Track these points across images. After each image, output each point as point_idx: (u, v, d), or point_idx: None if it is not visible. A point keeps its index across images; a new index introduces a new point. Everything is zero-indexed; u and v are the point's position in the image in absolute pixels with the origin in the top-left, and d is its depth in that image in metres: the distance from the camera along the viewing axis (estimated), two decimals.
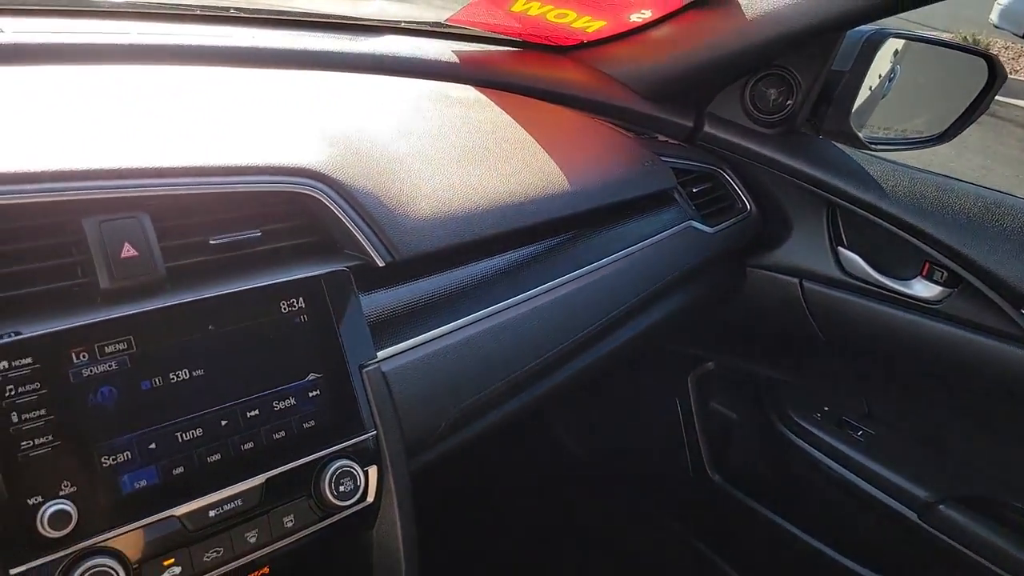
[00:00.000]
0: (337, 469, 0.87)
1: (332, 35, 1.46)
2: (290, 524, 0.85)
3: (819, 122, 1.52)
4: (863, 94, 1.53)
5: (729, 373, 1.84)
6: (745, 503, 1.80)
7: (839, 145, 1.52)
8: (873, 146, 1.55)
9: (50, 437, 0.71)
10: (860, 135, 1.53)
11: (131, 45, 1.15)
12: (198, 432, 0.79)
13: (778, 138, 1.53)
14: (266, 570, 0.86)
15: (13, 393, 0.70)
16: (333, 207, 0.96)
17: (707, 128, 1.58)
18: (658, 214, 1.42)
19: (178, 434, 0.78)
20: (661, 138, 1.60)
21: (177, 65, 1.16)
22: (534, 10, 1.54)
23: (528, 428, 1.97)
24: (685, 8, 1.48)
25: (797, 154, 1.50)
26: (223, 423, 0.81)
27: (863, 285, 1.47)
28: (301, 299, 0.89)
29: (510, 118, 1.37)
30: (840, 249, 1.49)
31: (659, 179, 1.42)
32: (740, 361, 1.79)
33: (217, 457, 0.80)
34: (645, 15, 1.52)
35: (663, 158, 1.48)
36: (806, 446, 1.62)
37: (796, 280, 1.55)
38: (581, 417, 2.07)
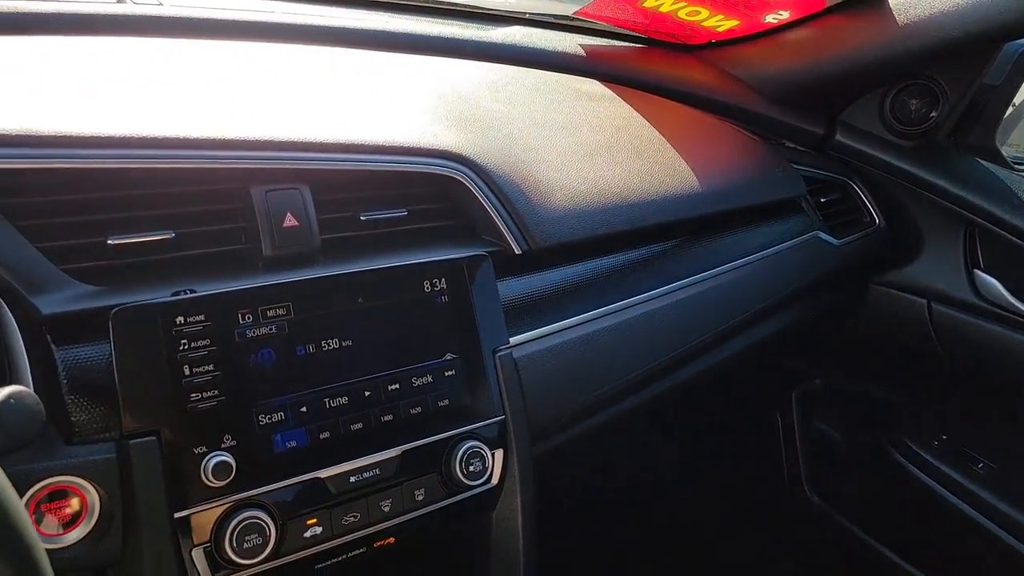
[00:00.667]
0: (468, 449, 0.88)
1: (461, 23, 1.49)
2: (420, 497, 0.87)
3: (962, 137, 1.45)
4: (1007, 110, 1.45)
5: (837, 391, 1.78)
6: (843, 525, 1.74)
7: (983, 162, 1.45)
8: (1017, 165, 1.47)
9: (216, 392, 0.75)
10: (1003, 152, 1.45)
11: (270, 23, 1.19)
12: (344, 400, 0.82)
13: (917, 151, 1.47)
14: (392, 540, 0.88)
15: (186, 347, 0.74)
16: (476, 192, 0.97)
17: (839, 137, 1.53)
18: (784, 222, 1.38)
19: (326, 400, 0.81)
20: (789, 144, 1.55)
21: (315, 45, 1.20)
22: (666, 6, 1.52)
23: (620, 429, 1.96)
24: (827, 11, 1.43)
25: (937, 169, 1.43)
26: (366, 394, 0.84)
27: (999, 311, 1.39)
28: (443, 280, 0.91)
29: (638, 114, 1.36)
30: (976, 272, 1.42)
31: (789, 186, 1.38)
32: (853, 380, 1.73)
33: (359, 426, 0.83)
34: (782, 16, 1.48)
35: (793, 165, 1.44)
36: (920, 474, 1.55)
37: (924, 301, 1.48)
38: (672, 424, 2.04)
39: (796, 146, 1.55)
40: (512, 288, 1.01)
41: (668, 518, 1.88)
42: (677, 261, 1.22)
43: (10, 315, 0.72)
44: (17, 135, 0.71)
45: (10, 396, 0.53)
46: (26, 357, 0.72)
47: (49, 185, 0.75)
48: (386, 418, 0.84)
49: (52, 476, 0.69)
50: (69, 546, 0.70)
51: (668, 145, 1.29)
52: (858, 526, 1.71)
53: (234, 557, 0.73)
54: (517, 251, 0.99)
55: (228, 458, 0.73)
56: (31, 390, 0.55)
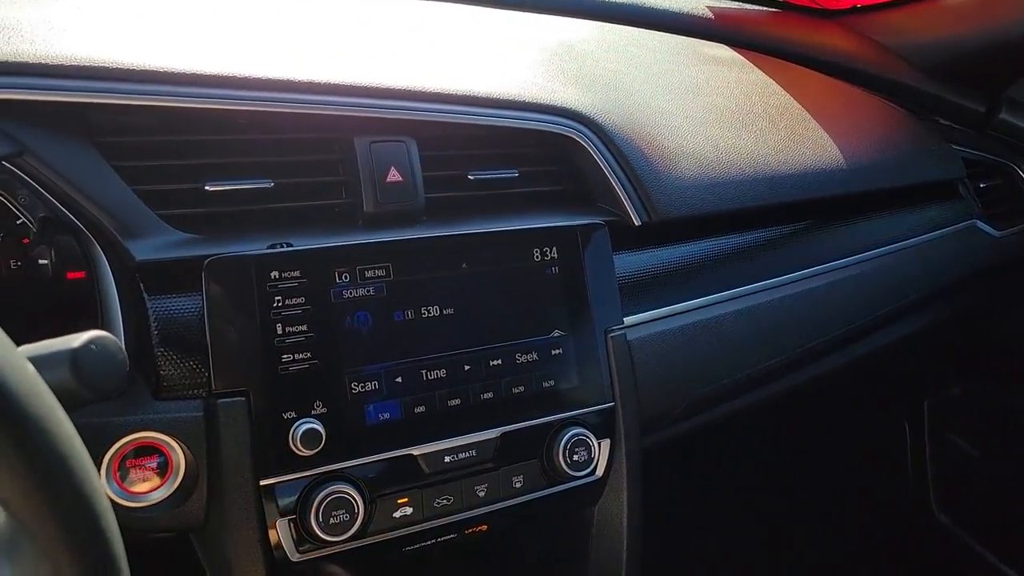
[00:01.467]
0: (572, 437, 0.80)
1: None
2: (518, 485, 0.79)
3: None
4: None
5: (977, 401, 1.58)
6: (976, 552, 1.56)
7: None
8: None
9: (308, 355, 0.69)
10: None
11: None
12: (442, 373, 0.75)
13: None
14: (484, 528, 0.82)
15: (280, 304, 0.69)
16: (595, 155, 0.88)
17: (1003, 115, 1.34)
18: (937, 208, 1.22)
19: (423, 372, 0.75)
20: (943, 122, 1.38)
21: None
22: None
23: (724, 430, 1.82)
24: None
25: None
26: (466, 368, 0.77)
27: None
28: (555, 249, 0.82)
29: (772, 81, 1.23)
30: None
31: (947, 167, 1.22)
32: (996, 390, 1.54)
33: (457, 402, 0.76)
34: None
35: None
36: None
37: None
38: (784, 426, 1.89)
39: (952, 124, 1.38)
40: (628, 263, 0.92)
41: (770, 532, 1.74)
42: (811, 245, 1.09)
43: (104, 260, 0.69)
44: (119, 68, 0.67)
45: (91, 341, 0.48)
46: (119, 305, 0.68)
47: (148, 125, 0.72)
48: (486, 396, 0.77)
49: (138, 431, 0.65)
50: (152, 505, 0.66)
51: (807, 115, 1.16)
52: (994, 554, 1.52)
53: (319, 532, 0.68)
54: (636, 222, 0.89)
55: (318, 426, 0.68)
56: (115, 337, 0.50)
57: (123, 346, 0.67)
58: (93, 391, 0.48)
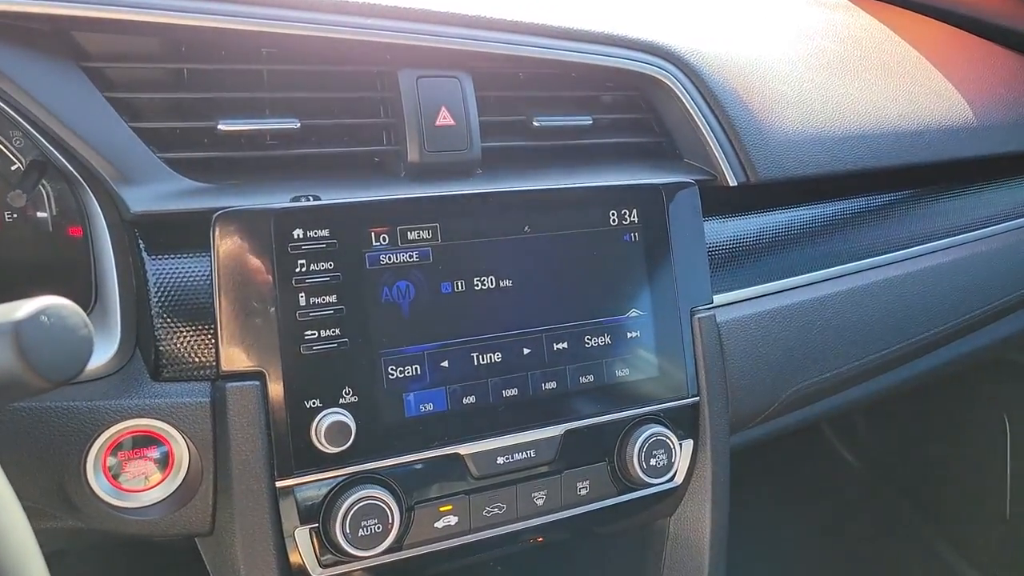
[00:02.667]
0: (649, 437, 0.67)
1: None
2: (583, 492, 0.67)
3: None
4: None
5: None
6: None
7: None
8: None
9: (336, 332, 0.57)
10: None
11: None
12: (496, 357, 0.63)
13: None
14: (539, 540, 0.69)
15: (304, 270, 0.56)
16: (685, 100, 0.73)
17: None
18: None
19: (474, 355, 0.62)
20: None
21: None
22: None
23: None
24: None
25: None
26: (525, 351, 0.64)
27: None
28: (635, 211, 0.68)
29: (886, 27, 1.05)
30: None
31: None
32: None
33: (513, 392, 0.63)
34: None
35: None
36: None
37: None
38: (862, 420, 1.71)
39: None
40: (718, 232, 0.78)
41: (855, 543, 1.58)
42: (932, 215, 0.93)
43: (100, 213, 0.58)
44: None
45: (42, 311, 0.37)
46: (115, 267, 0.57)
47: (149, 50, 0.60)
48: (548, 386, 0.64)
49: (134, 418, 0.54)
50: (149, 506, 0.56)
51: (929, 66, 0.99)
52: None
53: (346, 545, 0.56)
54: (732, 183, 0.75)
55: (346, 418, 0.56)
56: (77, 306, 0.38)
57: (117, 316, 0.57)
58: (45, 376, 0.37)
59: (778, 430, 0.92)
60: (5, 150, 0.63)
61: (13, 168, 0.64)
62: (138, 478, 0.55)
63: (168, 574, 0.95)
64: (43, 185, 0.63)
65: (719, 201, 0.77)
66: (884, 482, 1.61)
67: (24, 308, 0.36)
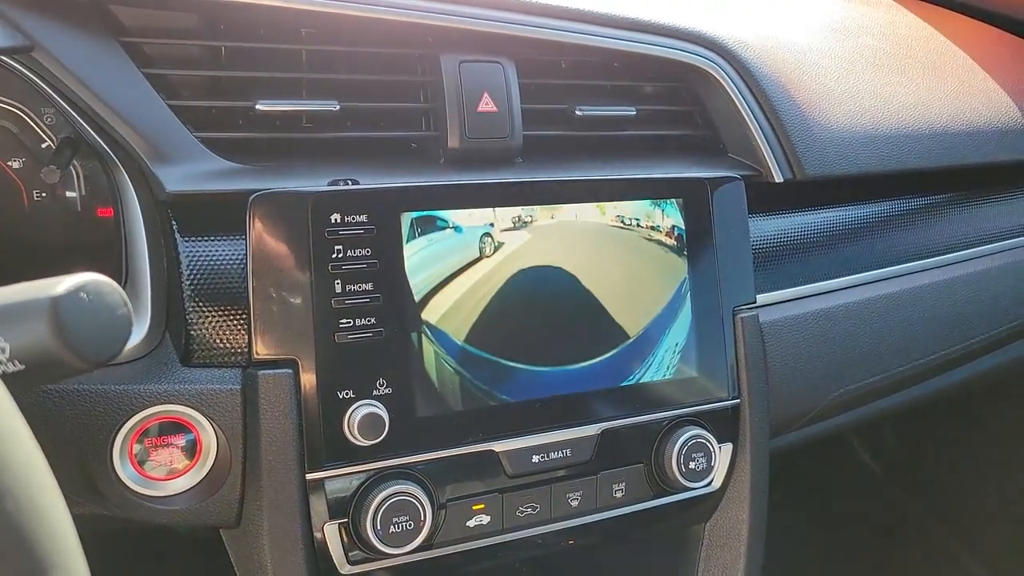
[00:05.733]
0: (689, 439, 0.65)
1: None
2: (619, 494, 0.64)
3: None
4: None
5: None
6: None
7: None
8: None
9: (372, 320, 0.55)
10: None
11: None
12: None
13: None
14: (571, 542, 0.67)
15: (341, 256, 0.55)
16: (733, 94, 0.71)
17: None
18: None
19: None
20: None
21: None
22: None
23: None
24: None
25: None
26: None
27: None
28: (679, 205, 0.66)
29: (930, 27, 1.02)
30: None
31: None
32: None
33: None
34: None
35: None
36: None
37: None
38: (890, 428, 1.67)
39: None
40: (762, 229, 0.75)
41: (879, 551, 1.54)
42: (981, 218, 0.90)
43: (133, 192, 0.56)
44: None
45: (81, 287, 0.35)
46: (147, 249, 0.56)
47: (189, 27, 0.58)
48: (584, 382, 0.62)
49: (162, 404, 0.53)
50: (176, 495, 0.54)
51: (974, 65, 0.96)
52: None
53: (375, 541, 0.54)
54: (778, 179, 0.72)
55: (380, 410, 0.54)
56: (116, 283, 0.37)
57: (148, 298, 0.55)
58: (82, 357, 0.35)
59: (815, 434, 0.89)
60: (36, 127, 0.62)
61: (43, 146, 0.63)
62: (165, 466, 0.53)
63: (191, 565, 0.94)
64: (74, 165, 0.62)
65: (763, 198, 0.74)
66: (907, 491, 1.57)
67: (63, 284, 0.34)
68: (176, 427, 0.53)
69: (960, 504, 1.49)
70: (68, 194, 0.64)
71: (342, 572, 0.56)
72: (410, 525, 0.55)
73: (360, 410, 0.54)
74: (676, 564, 0.74)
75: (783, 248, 0.77)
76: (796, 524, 1.45)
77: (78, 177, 0.64)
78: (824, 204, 0.80)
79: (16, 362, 0.34)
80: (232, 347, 0.55)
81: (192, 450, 0.54)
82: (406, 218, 0.56)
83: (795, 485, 1.47)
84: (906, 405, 0.99)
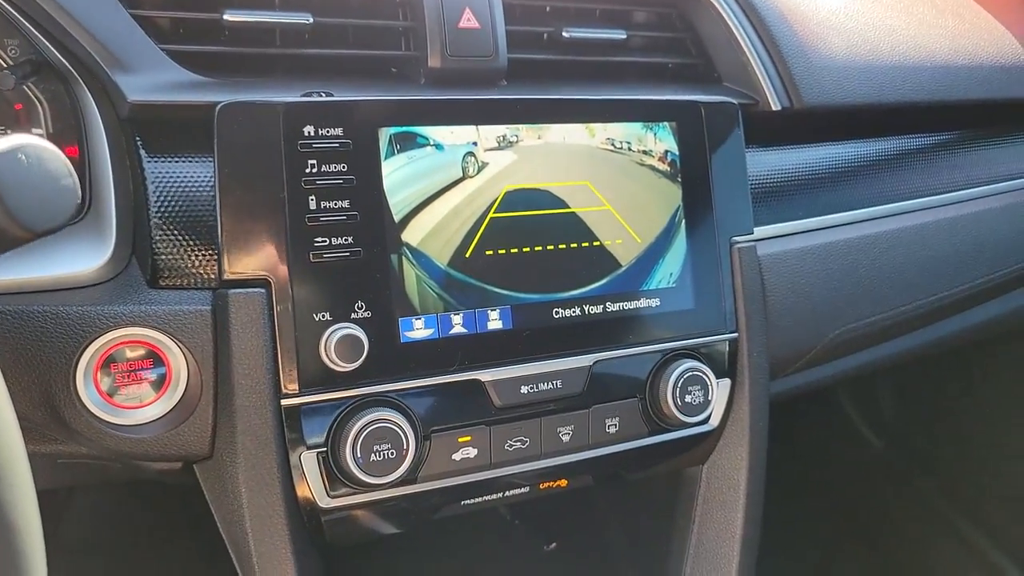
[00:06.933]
0: (684, 372, 0.62)
1: None
2: (612, 430, 0.62)
3: None
4: None
5: None
6: None
7: None
8: None
9: (349, 240, 0.52)
10: None
11: None
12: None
13: None
14: (563, 483, 0.64)
15: (315, 171, 0.52)
16: (728, 18, 0.68)
17: None
18: None
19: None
20: None
21: None
22: None
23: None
24: None
25: None
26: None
27: None
28: (672, 129, 0.63)
29: None
30: None
31: None
32: None
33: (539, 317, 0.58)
34: None
35: None
36: None
37: None
38: (880, 396, 1.64)
39: None
40: (761, 162, 0.72)
41: (879, 525, 1.51)
42: (990, 157, 0.87)
43: (95, 110, 0.53)
44: None
45: (19, 149, 0.32)
46: (111, 168, 0.53)
47: None
48: (574, 311, 0.59)
49: (128, 326, 0.50)
50: (144, 424, 0.51)
51: (976, 5, 0.93)
52: None
53: (356, 471, 0.51)
54: (775, 107, 0.70)
55: (359, 333, 0.51)
56: (57, 149, 0.34)
57: (112, 220, 0.52)
58: (20, 223, 0.33)
59: (815, 381, 0.87)
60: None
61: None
62: (133, 394, 0.51)
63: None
64: (39, 100, 0.59)
65: (761, 129, 0.72)
66: (907, 462, 1.55)
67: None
68: (144, 352, 0.51)
69: (957, 471, 1.46)
70: (34, 131, 0.61)
71: (323, 506, 0.53)
72: (392, 454, 0.52)
73: (337, 332, 0.51)
74: (671, 511, 0.72)
75: (782, 182, 0.74)
76: (795, 497, 1.42)
77: (44, 113, 0.61)
78: (825, 140, 0.77)
79: None
80: (202, 269, 0.52)
81: (162, 377, 0.51)
82: (384, 133, 0.53)
83: (789, 460, 1.44)
84: (906, 355, 0.96)
